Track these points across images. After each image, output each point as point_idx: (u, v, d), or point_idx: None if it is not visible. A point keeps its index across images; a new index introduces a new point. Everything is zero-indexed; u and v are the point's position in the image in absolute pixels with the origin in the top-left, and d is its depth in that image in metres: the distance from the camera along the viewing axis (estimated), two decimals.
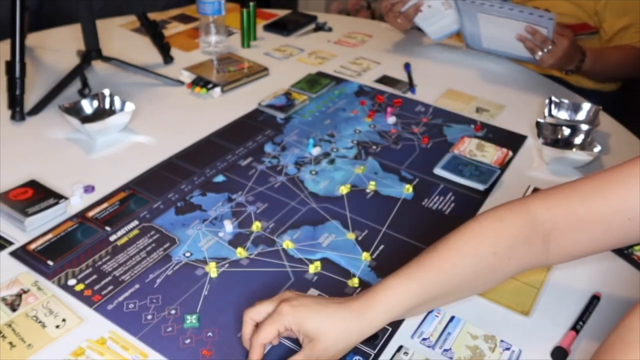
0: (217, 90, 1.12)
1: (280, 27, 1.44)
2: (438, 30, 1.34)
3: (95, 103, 0.99)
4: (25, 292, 0.66)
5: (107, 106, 0.99)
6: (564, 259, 0.64)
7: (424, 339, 0.64)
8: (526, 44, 1.17)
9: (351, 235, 0.78)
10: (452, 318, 0.66)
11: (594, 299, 0.69)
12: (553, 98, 1.06)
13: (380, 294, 0.58)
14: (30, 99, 1.04)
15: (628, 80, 1.46)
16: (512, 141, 1.01)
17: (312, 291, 0.68)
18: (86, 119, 0.96)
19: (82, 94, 1.07)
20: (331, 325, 0.56)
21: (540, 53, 1.16)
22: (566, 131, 0.97)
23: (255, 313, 0.59)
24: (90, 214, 0.79)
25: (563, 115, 1.06)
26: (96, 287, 0.67)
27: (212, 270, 0.70)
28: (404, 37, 1.45)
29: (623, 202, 0.58)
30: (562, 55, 1.15)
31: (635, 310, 0.46)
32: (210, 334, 0.63)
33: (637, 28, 1.30)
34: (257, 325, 0.59)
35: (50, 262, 0.70)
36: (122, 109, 0.98)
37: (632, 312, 0.47)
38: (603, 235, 0.60)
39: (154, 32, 1.22)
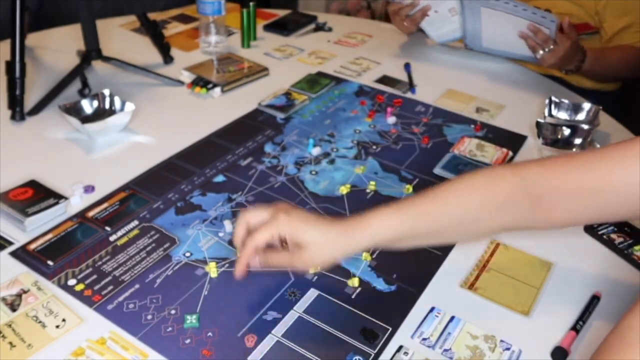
0: (217, 90, 1.12)
1: (280, 27, 1.44)
2: (442, 35, 1.34)
3: (95, 103, 0.99)
4: (25, 292, 0.66)
5: (107, 106, 0.99)
6: (548, 226, 0.65)
7: (424, 339, 0.64)
8: (528, 42, 1.17)
9: None
10: (452, 318, 0.66)
11: (594, 299, 0.69)
12: (553, 98, 1.06)
13: (369, 220, 0.62)
14: (30, 99, 1.04)
15: (628, 80, 1.46)
16: (512, 141, 1.01)
17: (313, 291, 0.68)
18: (86, 119, 0.96)
19: (82, 94, 1.07)
20: (321, 239, 0.61)
21: (541, 52, 1.16)
22: (566, 131, 0.97)
23: (252, 216, 0.64)
24: (90, 214, 0.79)
25: (563, 115, 1.06)
26: (96, 287, 0.67)
27: (212, 270, 0.70)
28: (404, 37, 1.45)
29: (614, 178, 0.58)
30: (564, 55, 1.15)
31: (635, 309, 0.46)
32: (210, 334, 0.63)
33: (637, 28, 1.29)
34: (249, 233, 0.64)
35: (50, 262, 0.70)
36: (122, 109, 0.98)
37: (632, 311, 0.46)
38: (589, 208, 0.61)
39: (154, 32, 1.22)
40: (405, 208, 0.63)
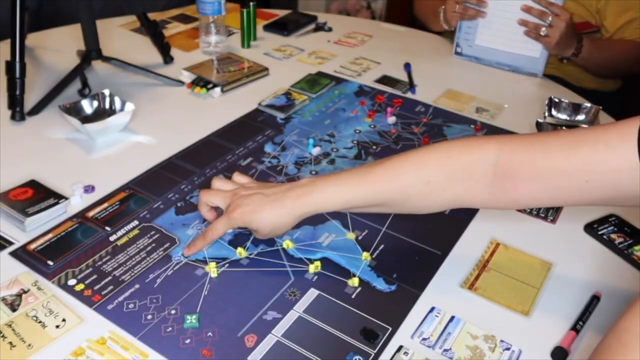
0: (217, 90, 1.12)
1: (280, 27, 1.44)
2: (469, 49, 1.31)
3: (95, 103, 0.99)
4: (25, 292, 0.66)
5: (107, 106, 0.99)
6: (509, 206, 0.66)
7: (424, 339, 0.64)
8: (528, 25, 1.17)
9: (351, 235, 0.78)
10: (452, 318, 0.66)
11: (594, 299, 0.69)
12: (553, 98, 1.06)
13: (314, 195, 0.68)
14: (30, 99, 1.04)
15: (628, 80, 1.46)
16: None
17: (312, 291, 0.68)
18: (86, 119, 0.96)
19: (82, 94, 1.07)
20: (270, 221, 0.69)
21: (544, 29, 1.16)
22: None
23: (210, 200, 0.73)
24: (90, 214, 0.79)
25: (563, 115, 1.06)
26: (96, 287, 0.67)
27: (212, 270, 0.70)
28: (404, 37, 1.45)
29: (586, 164, 0.57)
30: (567, 25, 1.15)
31: (630, 311, 0.46)
32: (210, 334, 0.63)
33: (637, 24, 1.29)
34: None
35: (50, 262, 0.70)
36: (122, 109, 0.98)
37: (628, 313, 0.46)
38: (556, 190, 0.60)
39: (154, 32, 1.22)
40: (349, 184, 0.67)
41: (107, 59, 1.12)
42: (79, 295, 0.66)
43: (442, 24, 1.33)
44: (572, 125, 0.98)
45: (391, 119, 1.05)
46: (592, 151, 0.57)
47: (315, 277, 0.71)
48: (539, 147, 0.60)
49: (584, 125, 0.97)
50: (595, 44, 1.25)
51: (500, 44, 1.26)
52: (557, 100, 1.06)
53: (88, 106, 0.98)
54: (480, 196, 0.64)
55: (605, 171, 0.56)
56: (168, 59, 1.24)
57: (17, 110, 0.99)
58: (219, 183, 0.75)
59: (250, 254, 0.74)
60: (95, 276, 0.69)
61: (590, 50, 1.23)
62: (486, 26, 1.26)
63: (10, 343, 0.60)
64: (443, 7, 1.31)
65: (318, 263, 0.72)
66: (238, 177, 0.77)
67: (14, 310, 0.64)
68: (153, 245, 0.74)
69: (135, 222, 0.78)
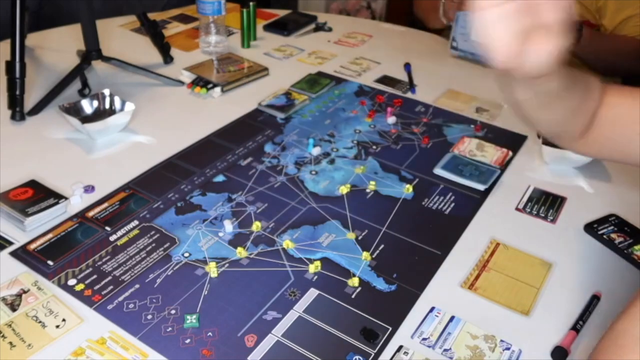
0: (217, 90, 1.12)
1: (280, 27, 1.44)
2: (466, 46, 1.29)
3: (95, 103, 0.99)
4: (25, 292, 0.66)
5: (107, 106, 0.99)
6: (592, 153, 0.69)
7: (424, 339, 0.64)
8: None
9: (351, 235, 0.78)
10: (452, 318, 0.66)
11: (594, 299, 0.69)
12: None
13: None
14: (30, 99, 1.04)
15: (628, 80, 1.45)
16: (512, 141, 1.01)
17: (312, 291, 0.68)
18: (86, 119, 0.96)
19: (82, 94, 1.07)
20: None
21: None
22: None
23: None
24: (90, 213, 0.79)
25: None
26: (96, 287, 0.67)
27: (212, 270, 0.70)
28: (404, 37, 1.45)
29: None
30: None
31: (627, 312, 0.46)
32: (210, 334, 0.63)
33: (636, 21, 1.29)
34: None
35: (50, 262, 0.70)
36: (122, 109, 0.98)
37: (624, 314, 0.46)
38: (627, 143, 0.61)
39: (154, 32, 1.22)
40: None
41: (107, 59, 1.12)
42: (79, 295, 0.66)
43: (442, 19, 1.33)
44: None
45: (391, 119, 1.05)
46: None
47: (315, 277, 0.71)
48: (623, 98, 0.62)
49: None
50: (595, 34, 1.25)
51: None
52: None
53: (88, 106, 0.98)
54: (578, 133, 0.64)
55: None
56: (168, 59, 1.24)
57: (17, 110, 0.99)
58: None
59: (250, 254, 0.74)
60: (95, 276, 0.69)
61: (590, 40, 1.23)
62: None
63: (10, 343, 0.60)
64: (443, 1, 1.31)
65: (318, 263, 0.72)
66: None
67: (14, 310, 0.64)
68: (153, 245, 0.74)
69: (135, 222, 0.78)
